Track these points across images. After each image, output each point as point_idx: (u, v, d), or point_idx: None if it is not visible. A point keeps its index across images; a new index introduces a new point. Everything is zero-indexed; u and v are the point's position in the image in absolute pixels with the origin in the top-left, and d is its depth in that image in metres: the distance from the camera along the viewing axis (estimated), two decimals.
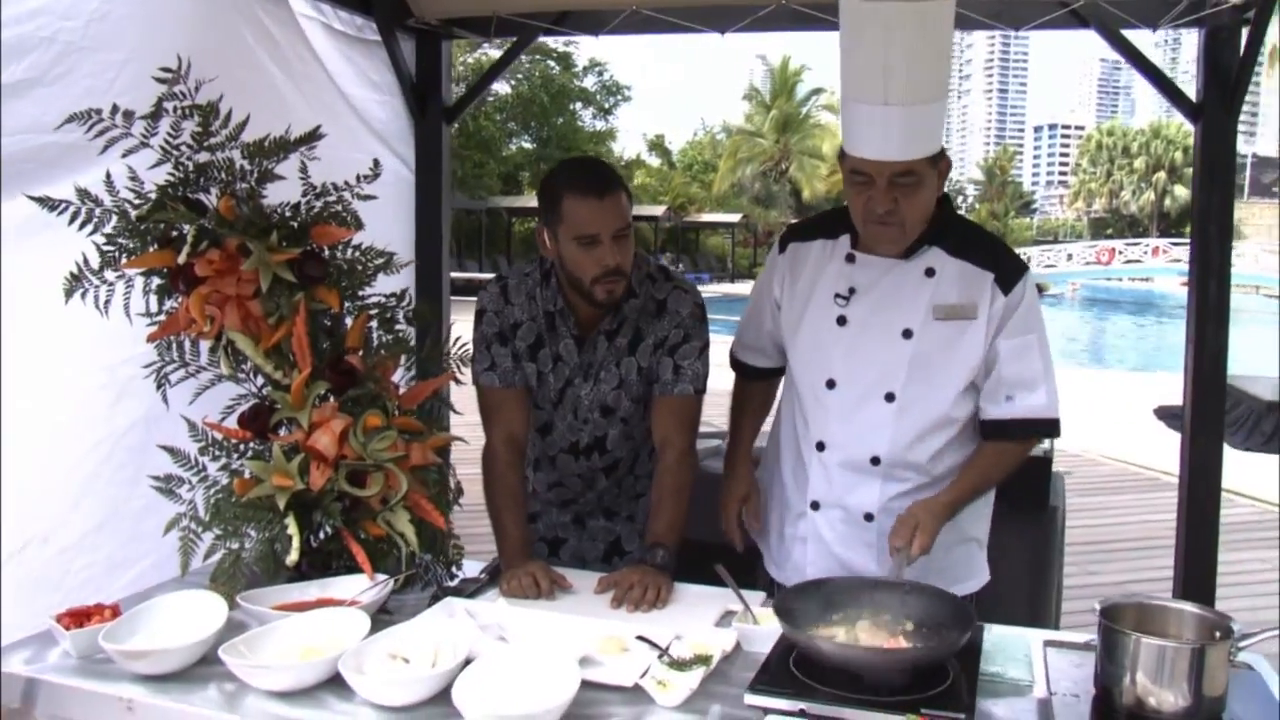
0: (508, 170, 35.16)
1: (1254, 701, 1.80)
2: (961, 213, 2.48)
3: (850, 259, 2.33)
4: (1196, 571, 3.75)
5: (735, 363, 2.65)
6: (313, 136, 2.33)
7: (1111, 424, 9.93)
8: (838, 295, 2.32)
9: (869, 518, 2.32)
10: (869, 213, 2.20)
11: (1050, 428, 2.30)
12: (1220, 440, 3.78)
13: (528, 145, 36.74)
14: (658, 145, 52.85)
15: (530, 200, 33.68)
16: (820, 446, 2.35)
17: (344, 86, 3.61)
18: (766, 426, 2.70)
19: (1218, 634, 1.77)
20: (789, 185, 48.50)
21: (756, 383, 2.64)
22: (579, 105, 37.46)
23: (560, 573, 2.35)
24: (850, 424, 2.31)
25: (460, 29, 4.16)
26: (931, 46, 2.11)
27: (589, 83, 37.54)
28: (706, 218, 43.85)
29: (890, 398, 2.26)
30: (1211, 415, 3.75)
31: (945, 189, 2.30)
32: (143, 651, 1.83)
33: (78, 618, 1.94)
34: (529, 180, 36.73)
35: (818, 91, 50.14)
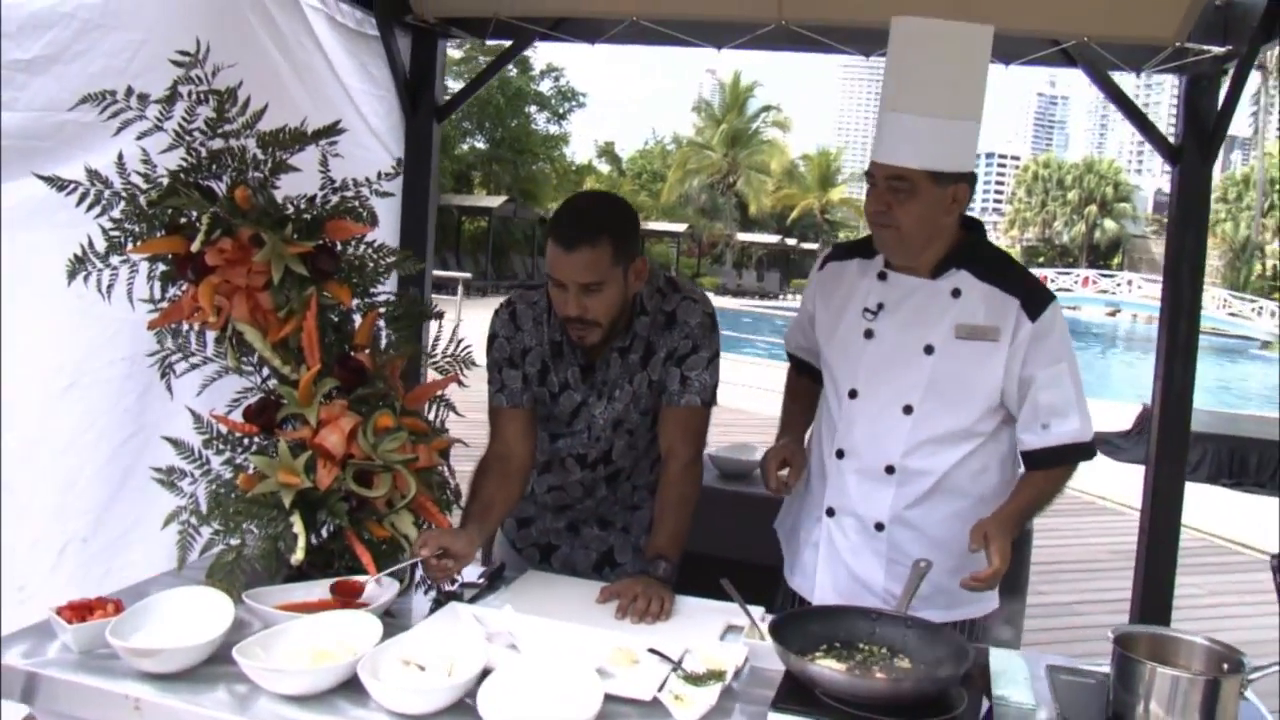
0: (459, 169, 34.82)
1: None
2: None
3: (882, 277, 2.37)
4: (1155, 594, 3.82)
5: (790, 357, 2.70)
6: (332, 130, 2.27)
7: None
8: (866, 310, 2.35)
9: (879, 527, 2.32)
10: (868, 211, 2.28)
11: (1086, 451, 2.29)
12: (1182, 471, 3.84)
13: (480, 145, 36.44)
14: (608, 152, 52.78)
15: (480, 200, 33.43)
16: (840, 454, 2.37)
17: (344, 79, 3.54)
18: None
19: (1225, 666, 1.79)
20: (735, 199, 48.80)
21: (806, 376, 2.65)
22: (534, 109, 37.27)
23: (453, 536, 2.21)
24: (868, 433, 2.33)
25: (457, 29, 4.09)
26: (953, 65, 2.16)
27: (545, 87, 37.42)
28: (653, 226, 43.84)
29: (908, 410, 2.28)
30: (1175, 448, 3.81)
31: None
32: (153, 650, 1.75)
33: (79, 611, 1.85)
34: (480, 180, 36.47)
35: (768, 109, 50.55)
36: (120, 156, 2.10)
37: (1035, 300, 2.25)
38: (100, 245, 2.14)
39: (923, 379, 2.28)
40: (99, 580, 2.51)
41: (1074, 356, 2.29)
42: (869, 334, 2.35)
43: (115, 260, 2.16)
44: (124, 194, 2.13)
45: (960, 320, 2.26)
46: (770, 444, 2.57)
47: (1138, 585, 3.90)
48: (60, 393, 2.61)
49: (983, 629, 2.39)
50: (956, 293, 2.28)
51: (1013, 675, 1.98)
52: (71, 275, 2.14)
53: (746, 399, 8.80)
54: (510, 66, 34.64)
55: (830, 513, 2.40)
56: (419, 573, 2.23)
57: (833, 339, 2.42)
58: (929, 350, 2.27)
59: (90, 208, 2.11)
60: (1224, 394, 20.21)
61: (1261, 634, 5.40)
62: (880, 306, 2.34)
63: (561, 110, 38.31)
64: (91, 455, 2.74)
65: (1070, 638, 5.26)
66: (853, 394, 2.35)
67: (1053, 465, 2.29)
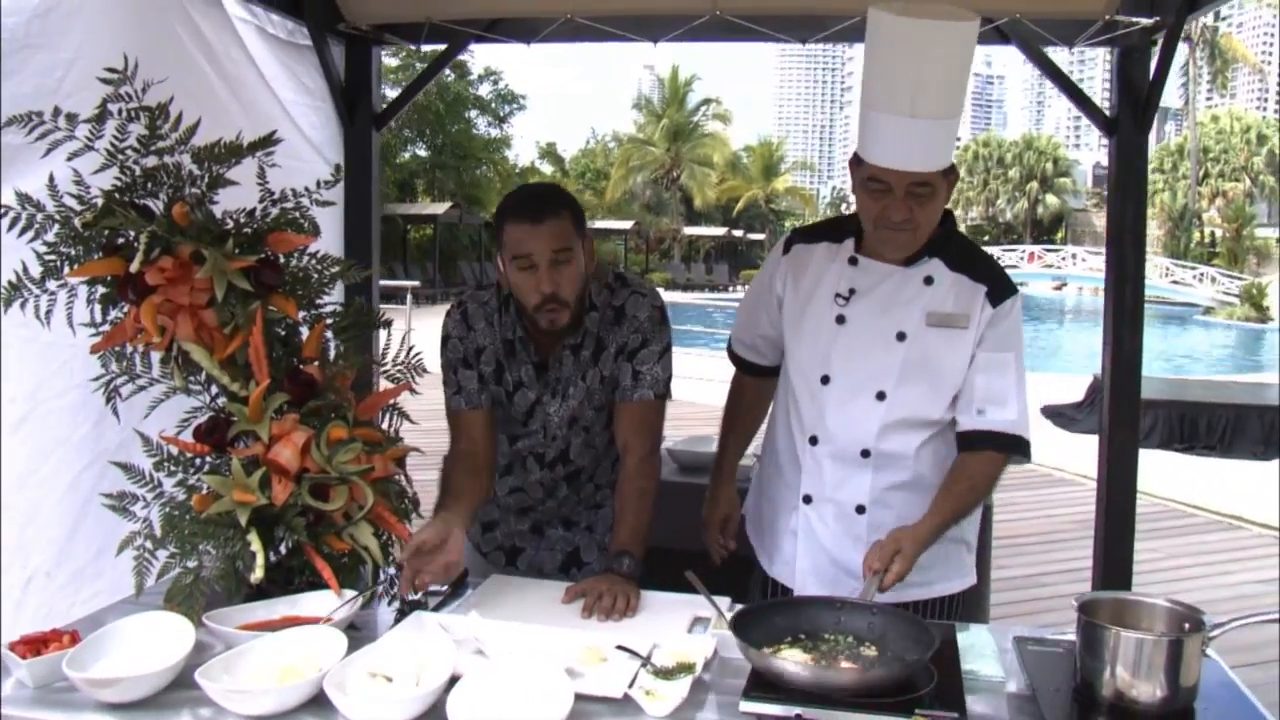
0: (402, 178, 34.53)
1: (1217, 687, 1.86)
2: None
3: (853, 262, 2.36)
4: (1115, 561, 3.87)
5: (732, 356, 2.67)
6: (268, 142, 2.24)
7: None
8: (838, 295, 2.35)
9: (860, 510, 2.34)
10: (883, 219, 2.22)
11: (1019, 445, 2.27)
12: (1135, 437, 3.90)
13: (422, 153, 36.18)
14: (550, 153, 52.61)
15: (425, 207, 33.18)
16: (813, 440, 2.37)
17: (278, 91, 3.49)
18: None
19: (1186, 626, 1.82)
20: (680, 193, 48.84)
21: (752, 378, 2.65)
22: (474, 113, 37.06)
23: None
24: (842, 418, 2.33)
25: (391, 35, 4.06)
26: (959, 64, 2.13)
27: (484, 91, 37.21)
28: (599, 224, 43.71)
29: (881, 396, 2.29)
30: (1127, 414, 3.86)
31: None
32: (112, 679, 1.71)
33: (33, 645, 1.80)
34: (423, 188, 36.21)
35: (708, 102, 50.62)
36: (51, 178, 2.06)
37: (1000, 290, 2.28)
38: (36, 270, 2.10)
39: (895, 365, 2.28)
40: (65, 613, 2.45)
41: (1021, 352, 2.30)
42: (840, 319, 2.34)
43: (52, 285, 2.11)
44: (57, 217, 2.09)
45: (931, 308, 2.28)
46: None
47: (1098, 553, 3.95)
48: (14, 427, 2.56)
49: (960, 604, 2.41)
50: (929, 280, 2.30)
51: (980, 649, 2.01)
52: (7, 303, 2.10)
53: (702, 392, 8.82)
54: (448, 72, 34.39)
55: (807, 500, 2.40)
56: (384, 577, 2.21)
57: (800, 324, 2.41)
58: (901, 337, 2.28)
59: (23, 232, 2.06)
60: (1172, 360, 20.56)
61: (1221, 592, 5.56)
62: (852, 292, 2.34)
63: (502, 114, 38.15)
64: (50, 487, 2.70)
65: (1036, 609, 5.32)
66: (825, 380, 2.35)
67: (984, 448, 2.27)
